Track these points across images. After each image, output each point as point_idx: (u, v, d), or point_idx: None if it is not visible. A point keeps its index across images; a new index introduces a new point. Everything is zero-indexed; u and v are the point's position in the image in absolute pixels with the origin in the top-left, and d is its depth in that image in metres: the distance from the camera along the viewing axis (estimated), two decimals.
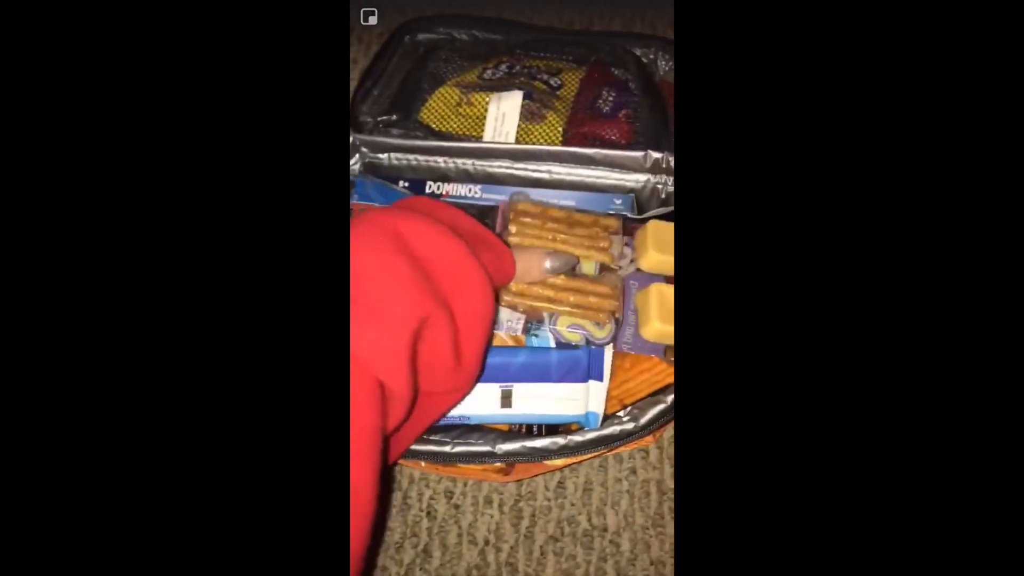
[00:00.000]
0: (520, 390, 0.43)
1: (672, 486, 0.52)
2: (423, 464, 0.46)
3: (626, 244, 0.47)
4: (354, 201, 0.53)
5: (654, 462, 0.53)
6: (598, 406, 0.44)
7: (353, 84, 0.57)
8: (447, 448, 0.42)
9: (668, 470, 0.53)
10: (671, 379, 0.44)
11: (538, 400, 0.43)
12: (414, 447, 0.42)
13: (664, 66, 0.60)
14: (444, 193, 0.53)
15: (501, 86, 0.55)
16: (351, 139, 0.53)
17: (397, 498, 0.53)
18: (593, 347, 0.44)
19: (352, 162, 0.55)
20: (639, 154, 0.50)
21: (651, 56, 0.60)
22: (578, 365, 0.44)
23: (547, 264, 0.42)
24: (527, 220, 0.47)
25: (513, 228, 0.46)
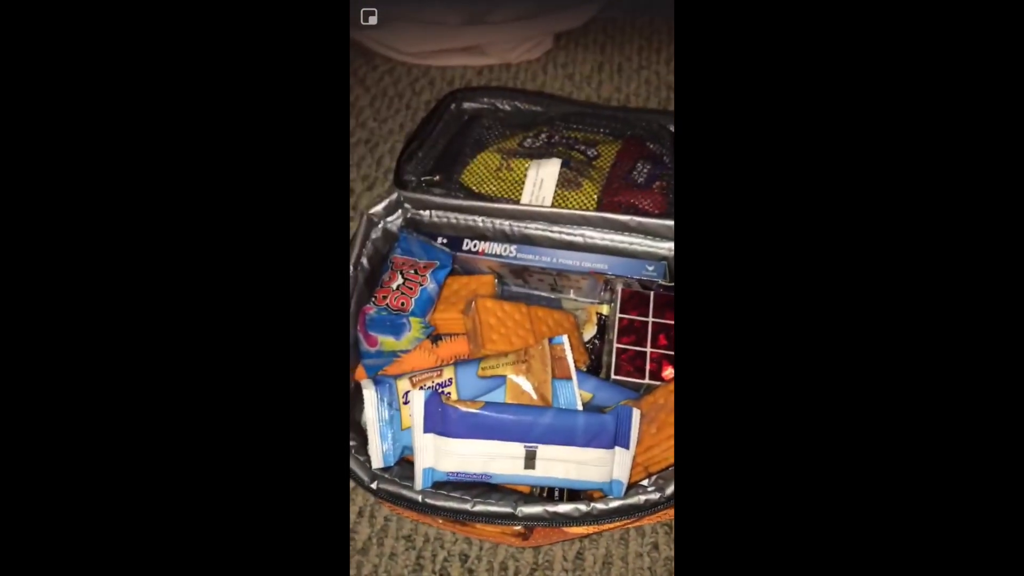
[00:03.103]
0: (544, 452, 0.42)
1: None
2: (440, 521, 0.45)
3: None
4: (396, 255, 0.55)
5: None
6: (623, 474, 0.43)
7: (400, 147, 0.60)
8: (467, 506, 0.41)
9: None
10: None
11: (562, 464, 0.42)
12: (434, 502, 0.42)
13: None
14: (480, 251, 0.54)
15: (540, 154, 0.57)
16: (396, 195, 0.56)
17: (411, 557, 0.51)
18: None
19: (395, 217, 0.57)
20: (672, 223, 0.51)
21: None
22: (605, 430, 0.43)
23: None
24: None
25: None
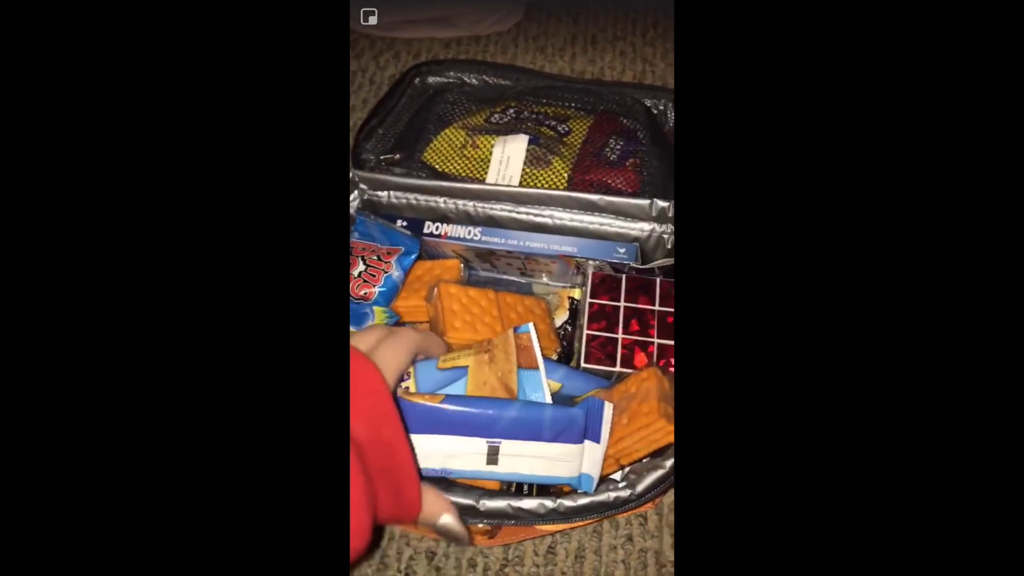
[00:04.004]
0: (508, 447, 0.40)
1: (672, 558, 0.48)
2: None
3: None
4: (354, 239, 0.51)
5: (652, 530, 0.50)
6: (593, 468, 0.40)
7: (361, 123, 0.57)
8: None
9: (668, 539, 0.49)
10: (671, 438, 0.41)
11: (527, 459, 0.40)
12: None
13: (673, 117, 0.59)
14: (443, 234, 0.51)
15: (508, 130, 0.54)
16: (351, 175, 0.52)
17: (375, 556, 0.49)
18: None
19: (351, 198, 0.54)
20: (645, 202, 0.48)
21: (660, 107, 0.59)
22: (574, 424, 0.41)
23: (444, 521, 0.35)
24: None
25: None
